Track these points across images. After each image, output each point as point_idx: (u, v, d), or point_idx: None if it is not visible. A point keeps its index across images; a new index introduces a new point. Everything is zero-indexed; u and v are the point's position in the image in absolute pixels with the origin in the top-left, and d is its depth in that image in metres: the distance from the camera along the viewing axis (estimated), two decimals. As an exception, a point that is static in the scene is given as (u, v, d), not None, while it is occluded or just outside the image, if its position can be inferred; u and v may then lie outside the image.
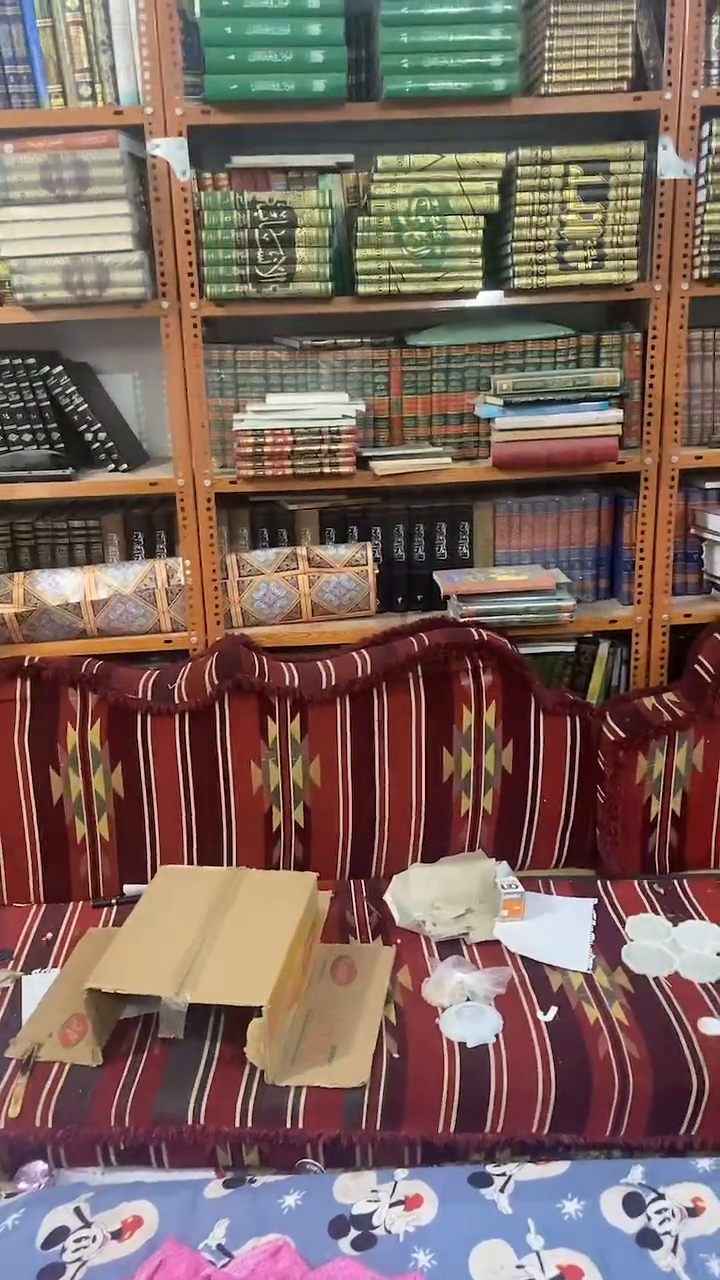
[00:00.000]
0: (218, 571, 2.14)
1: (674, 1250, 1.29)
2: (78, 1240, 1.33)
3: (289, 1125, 1.52)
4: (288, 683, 2.04)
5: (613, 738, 2.04)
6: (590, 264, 1.98)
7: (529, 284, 1.98)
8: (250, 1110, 1.53)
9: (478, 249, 1.96)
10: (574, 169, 1.92)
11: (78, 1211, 1.37)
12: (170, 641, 2.18)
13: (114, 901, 2.04)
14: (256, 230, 1.92)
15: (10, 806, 2.03)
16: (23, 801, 2.03)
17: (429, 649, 2.04)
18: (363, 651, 2.10)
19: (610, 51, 1.88)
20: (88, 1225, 1.35)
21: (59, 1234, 1.34)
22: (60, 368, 2.07)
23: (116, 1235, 1.34)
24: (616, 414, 2.07)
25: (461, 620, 2.12)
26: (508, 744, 2.08)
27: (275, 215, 1.91)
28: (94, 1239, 1.33)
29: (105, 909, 2.03)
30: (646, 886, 2.03)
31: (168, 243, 1.95)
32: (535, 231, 1.95)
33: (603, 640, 2.29)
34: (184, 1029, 1.60)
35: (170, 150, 1.90)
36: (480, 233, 1.95)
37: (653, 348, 2.07)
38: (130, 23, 1.85)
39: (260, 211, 1.91)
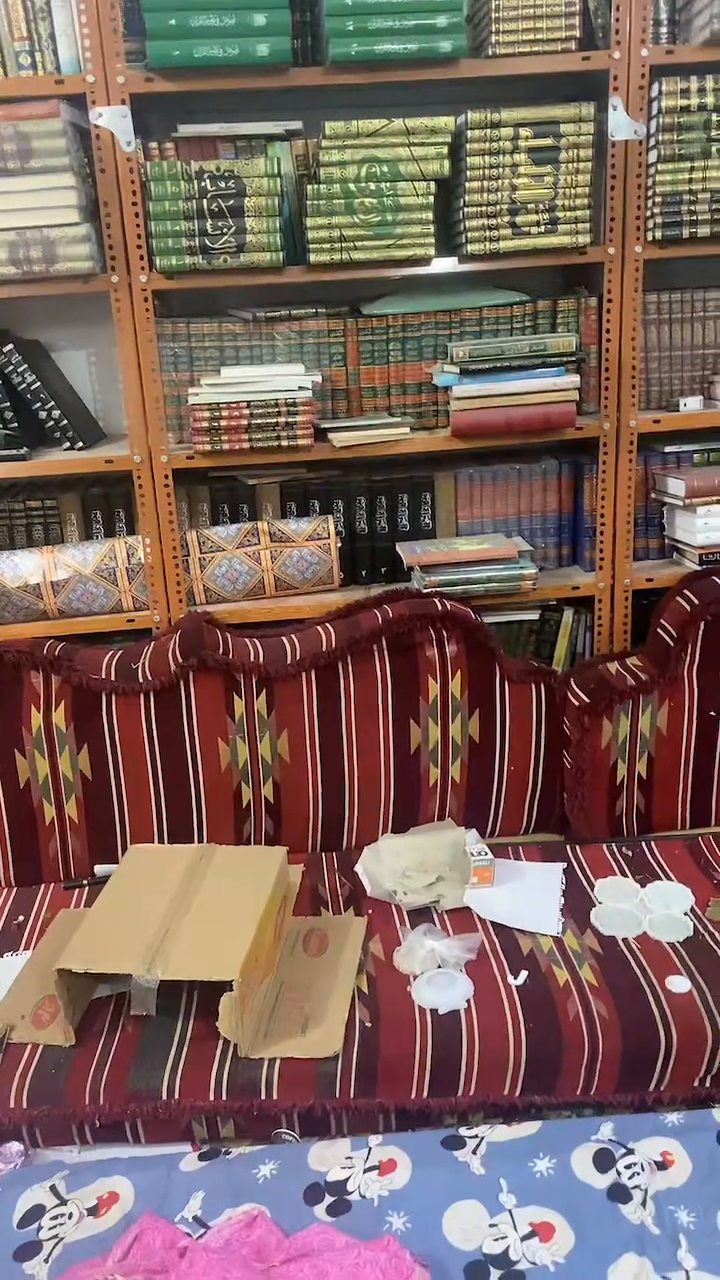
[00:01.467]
0: (178, 549, 2.13)
1: (643, 1204, 1.31)
2: (54, 1218, 1.34)
3: (263, 1096, 1.53)
4: (252, 659, 2.04)
5: (577, 703, 2.05)
6: (543, 228, 1.97)
7: (482, 250, 1.96)
8: (225, 1083, 1.54)
9: (429, 215, 1.94)
10: (524, 131, 1.91)
11: (53, 1189, 1.38)
12: (133, 621, 2.16)
13: (85, 882, 2.04)
14: (205, 200, 1.89)
15: (-24, 791, 2.02)
16: (-11, 786, 2.02)
17: (393, 621, 2.04)
18: (327, 625, 2.10)
19: (558, 10, 1.86)
20: (64, 1203, 1.36)
21: (35, 1212, 1.35)
22: (10, 346, 2.04)
23: (93, 1211, 1.34)
24: (574, 379, 2.06)
25: (425, 591, 2.11)
26: (474, 713, 2.09)
27: (224, 185, 1.89)
28: (70, 1216, 1.34)
29: (77, 890, 2.02)
30: (615, 849, 2.05)
31: (115, 215, 1.92)
32: (487, 196, 1.94)
33: (566, 607, 2.30)
34: (156, 1006, 1.60)
35: (113, 119, 1.86)
36: (431, 199, 1.93)
37: (608, 312, 2.06)
38: (68, -12, 1.81)
39: (208, 181, 1.88)
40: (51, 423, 2.10)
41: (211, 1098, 1.53)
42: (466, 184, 1.93)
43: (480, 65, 1.89)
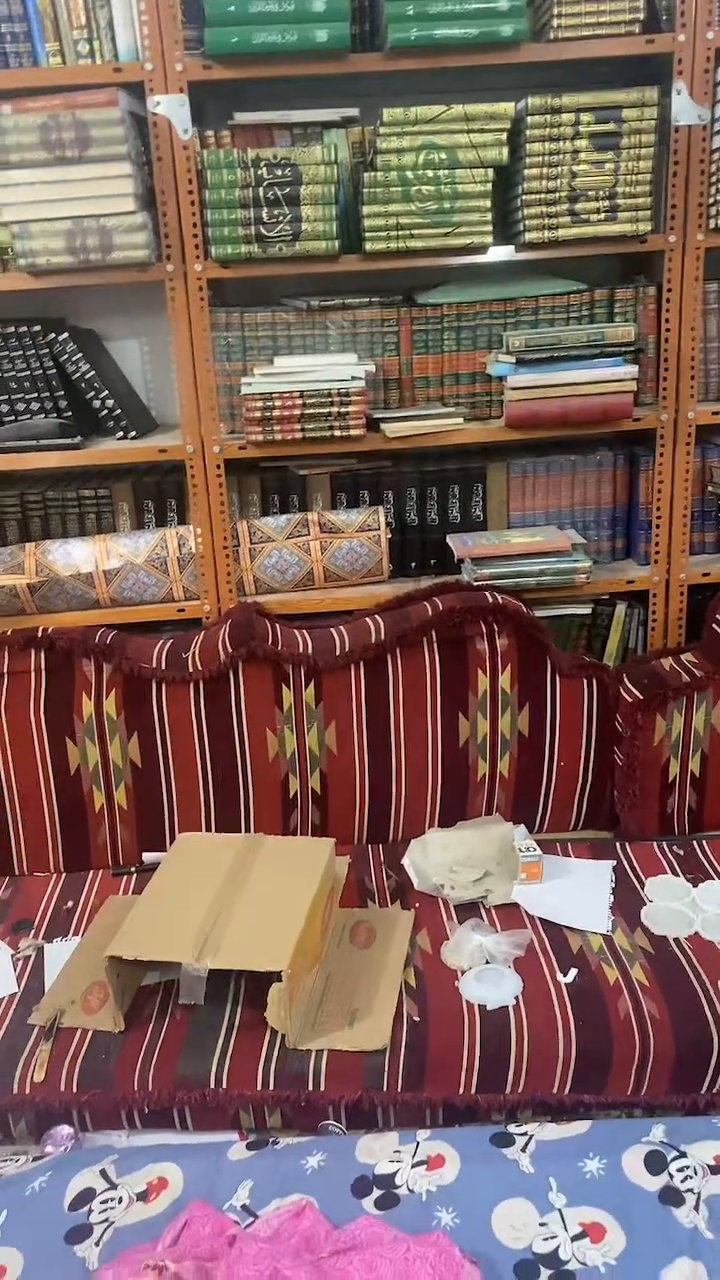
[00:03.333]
0: (229, 539, 2.13)
1: (696, 1207, 1.29)
2: (104, 1202, 1.35)
3: (310, 1088, 1.53)
4: (301, 650, 2.03)
5: (630, 699, 2.02)
6: (603, 215, 1.93)
7: (540, 238, 1.94)
8: (272, 1074, 1.54)
9: (487, 203, 1.91)
10: (585, 117, 1.87)
11: (104, 1174, 1.39)
12: (183, 610, 2.17)
13: (133, 869, 2.05)
14: (261, 189, 1.88)
15: (28, 777, 2.04)
16: (40, 772, 2.04)
17: (443, 613, 2.02)
18: (376, 617, 2.09)
19: (621, -8, 1.83)
20: (114, 1187, 1.37)
21: (85, 1195, 1.36)
22: (66, 335, 2.05)
23: (142, 1196, 1.35)
24: (631, 370, 2.03)
25: (475, 584, 2.10)
26: (524, 707, 2.07)
27: (280, 173, 1.88)
28: (120, 1200, 1.35)
29: (125, 877, 2.04)
30: (665, 848, 2.02)
31: (171, 203, 1.92)
32: (546, 183, 1.91)
33: (619, 601, 2.26)
34: (204, 995, 1.60)
35: (171, 108, 1.86)
36: (489, 186, 1.91)
37: (668, 301, 2.03)
38: (127, -24, 1.80)
39: (264, 169, 1.87)
40: (105, 411, 2.11)
41: (259, 1087, 1.54)
42: (525, 171, 1.90)
43: (542, 49, 1.86)
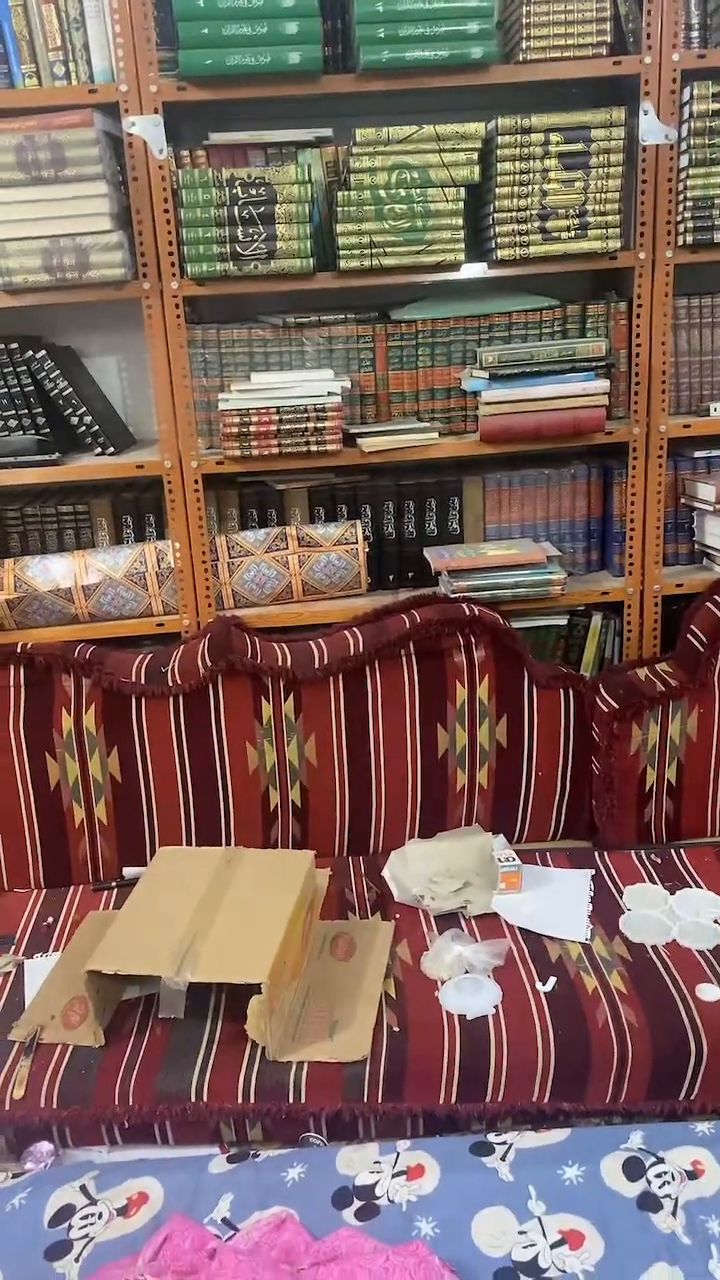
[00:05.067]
0: (207, 553, 2.14)
1: (674, 1213, 1.30)
2: (84, 1217, 1.34)
3: (291, 1100, 1.54)
4: (280, 663, 2.04)
5: (606, 709, 2.04)
6: (573, 233, 1.96)
7: (512, 255, 1.96)
8: (253, 1086, 1.54)
9: (459, 221, 1.94)
10: (554, 137, 1.91)
11: (83, 1189, 1.39)
12: (162, 625, 2.18)
13: (114, 884, 2.05)
14: (236, 207, 1.90)
15: (8, 793, 2.04)
16: (20, 787, 2.04)
17: (420, 626, 2.04)
18: (354, 630, 2.10)
19: (589, 15, 1.86)
20: (94, 1203, 1.37)
21: (65, 1212, 1.36)
22: (44, 352, 2.06)
23: (122, 1211, 1.35)
24: (603, 384, 2.06)
25: (453, 596, 2.11)
26: (501, 718, 2.08)
27: (254, 192, 1.90)
28: (100, 1216, 1.35)
29: (105, 892, 2.04)
30: (643, 856, 2.03)
31: (147, 222, 1.94)
32: (517, 202, 1.94)
33: (595, 612, 2.29)
34: (185, 1009, 1.61)
35: (146, 128, 1.88)
36: (461, 204, 1.93)
37: (638, 316, 2.06)
38: (102, -1, 1.83)
39: (239, 188, 1.90)
40: (83, 428, 2.12)
41: (240, 1100, 1.54)
42: (497, 189, 1.93)
43: (511, 71, 1.90)
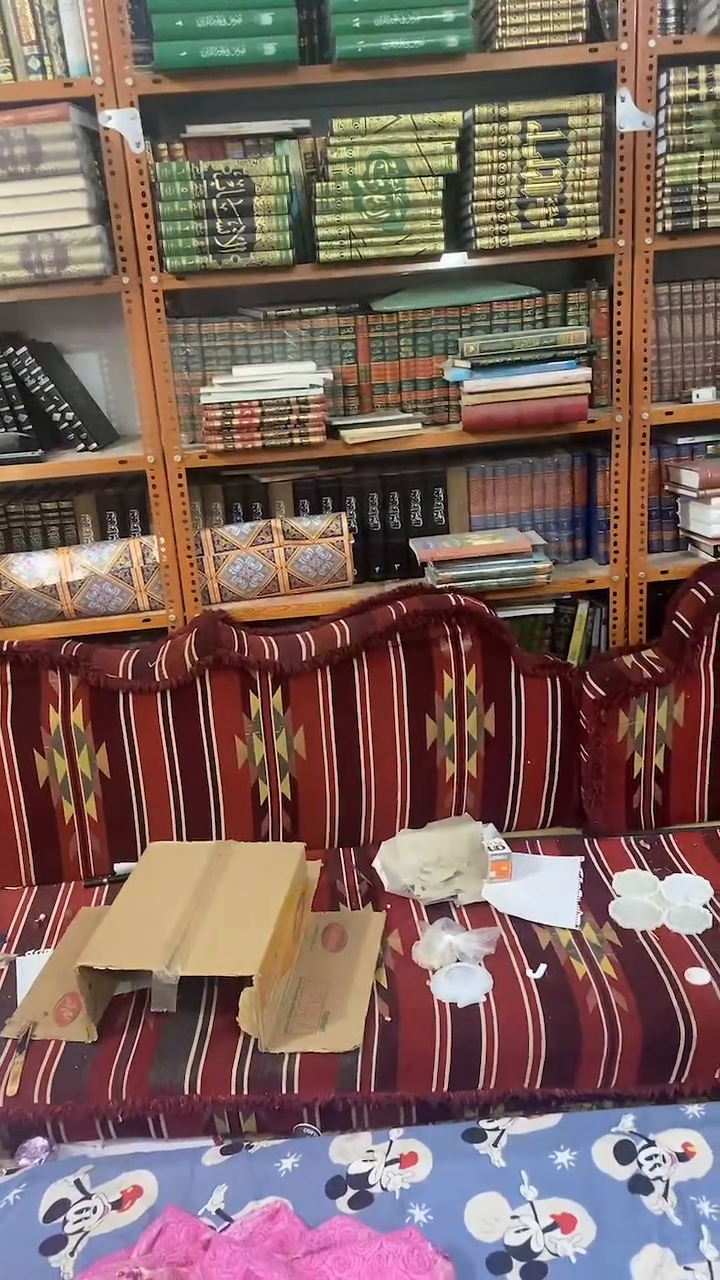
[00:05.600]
0: (193, 548, 2.14)
1: (665, 1195, 1.31)
2: (79, 1212, 1.35)
3: (284, 1091, 1.54)
4: (268, 656, 2.05)
5: (593, 697, 2.05)
6: (552, 221, 1.96)
7: (491, 244, 1.96)
8: (246, 1078, 1.55)
9: (438, 211, 1.94)
10: (531, 125, 1.90)
11: (78, 1184, 1.39)
12: (148, 620, 2.18)
13: (105, 880, 2.05)
14: (214, 200, 1.89)
15: (-4, 791, 2.04)
16: (9, 785, 2.04)
17: (407, 617, 2.04)
18: (341, 622, 2.10)
19: (564, 2, 1.85)
20: (88, 1197, 1.37)
21: (60, 1206, 1.36)
22: (24, 348, 2.05)
23: (117, 1205, 1.36)
24: (585, 372, 2.06)
25: (439, 587, 2.12)
26: (489, 708, 2.09)
27: (233, 184, 1.89)
28: (95, 1210, 1.35)
29: (97, 888, 2.04)
30: (632, 842, 2.04)
31: (125, 216, 1.93)
32: (495, 190, 1.94)
33: (581, 601, 2.29)
34: (177, 1002, 1.61)
35: (122, 122, 1.87)
36: (440, 194, 1.93)
37: (619, 304, 2.06)
38: (75, -8, 1.82)
39: (217, 181, 1.89)
40: (65, 424, 2.11)
41: (233, 1092, 1.54)
42: (475, 179, 1.93)
43: (487, 59, 1.89)
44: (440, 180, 1.93)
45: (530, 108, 1.90)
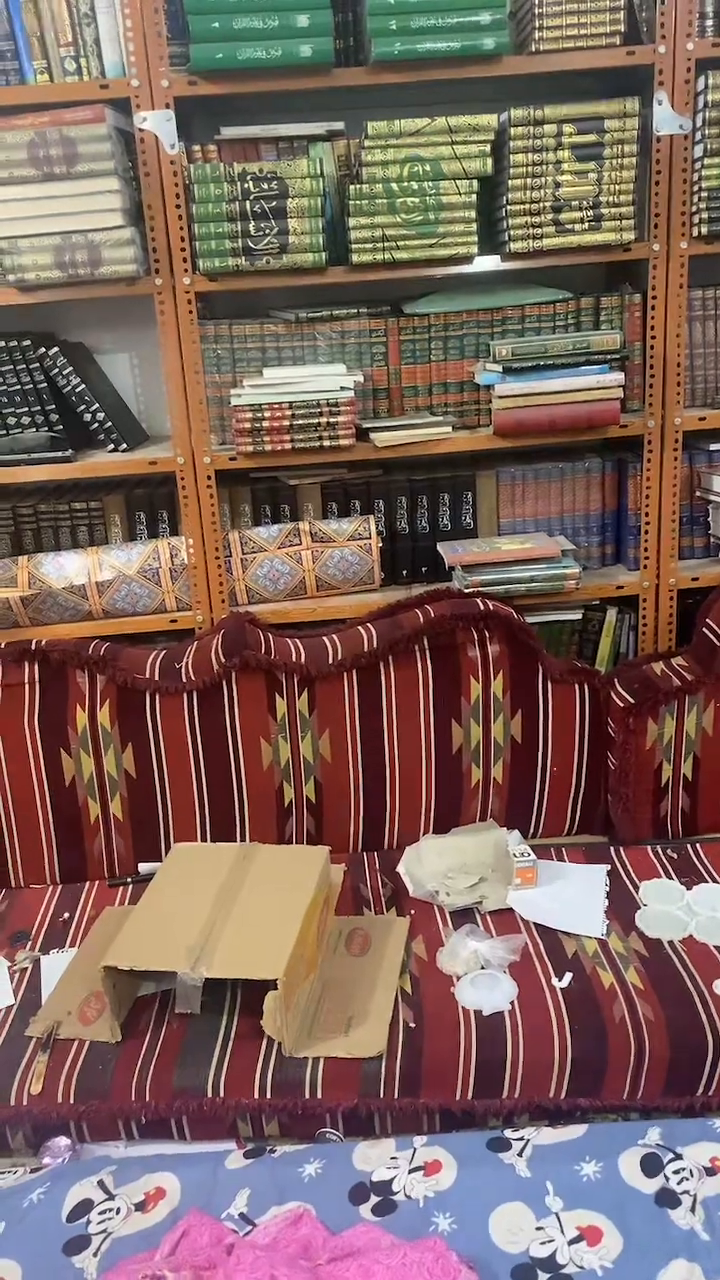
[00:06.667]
0: (220, 549, 2.14)
1: (692, 1209, 1.30)
2: (102, 1212, 1.35)
3: (308, 1096, 1.54)
4: (294, 659, 2.04)
5: (622, 704, 2.03)
6: (587, 225, 1.95)
7: (525, 247, 1.95)
8: (269, 1082, 1.54)
9: (472, 213, 1.93)
10: (567, 128, 1.89)
11: (101, 1184, 1.39)
12: (175, 621, 2.18)
13: (129, 880, 2.06)
14: (248, 202, 1.89)
15: (23, 789, 2.05)
16: (35, 784, 2.05)
17: (434, 621, 2.03)
18: (368, 625, 2.10)
19: (602, 5, 1.85)
20: (111, 1197, 1.37)
21: (84, 1206, 1.36)
22: (56, 349, 2.06)
23: (140, 1206, 1.35)
24: (618, 377, 2.04)
25: (466, 591, 2.11)
26: (516, 713, 2.08)
27: (266, 186, 1.89)
28: (118, 1210, 1.35)
29: (121, 888, 2.04)
30: (659, 851, 2.03)
31: (159, 217, 1.93)
32: (530, 194, 1.93)
33: (610, 607, 2.28)
34: (201, 1004, 1.61)
35: (158, 123, 1.87)
36: (474, 197, 1.92)
37: (653, 308, 2.04)
38: (113, -6, 1.82)
39: (251, 183, 1.89)
40: (96, 425, 2.12)
41: (256, 1096, 1.54)
42: (509, 182, 1.92)
43: (523, 62, 1.88)
44: (474, 183, 1.92)
45: (566, 111, 1.89)
